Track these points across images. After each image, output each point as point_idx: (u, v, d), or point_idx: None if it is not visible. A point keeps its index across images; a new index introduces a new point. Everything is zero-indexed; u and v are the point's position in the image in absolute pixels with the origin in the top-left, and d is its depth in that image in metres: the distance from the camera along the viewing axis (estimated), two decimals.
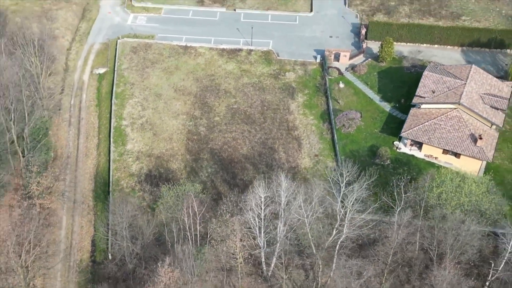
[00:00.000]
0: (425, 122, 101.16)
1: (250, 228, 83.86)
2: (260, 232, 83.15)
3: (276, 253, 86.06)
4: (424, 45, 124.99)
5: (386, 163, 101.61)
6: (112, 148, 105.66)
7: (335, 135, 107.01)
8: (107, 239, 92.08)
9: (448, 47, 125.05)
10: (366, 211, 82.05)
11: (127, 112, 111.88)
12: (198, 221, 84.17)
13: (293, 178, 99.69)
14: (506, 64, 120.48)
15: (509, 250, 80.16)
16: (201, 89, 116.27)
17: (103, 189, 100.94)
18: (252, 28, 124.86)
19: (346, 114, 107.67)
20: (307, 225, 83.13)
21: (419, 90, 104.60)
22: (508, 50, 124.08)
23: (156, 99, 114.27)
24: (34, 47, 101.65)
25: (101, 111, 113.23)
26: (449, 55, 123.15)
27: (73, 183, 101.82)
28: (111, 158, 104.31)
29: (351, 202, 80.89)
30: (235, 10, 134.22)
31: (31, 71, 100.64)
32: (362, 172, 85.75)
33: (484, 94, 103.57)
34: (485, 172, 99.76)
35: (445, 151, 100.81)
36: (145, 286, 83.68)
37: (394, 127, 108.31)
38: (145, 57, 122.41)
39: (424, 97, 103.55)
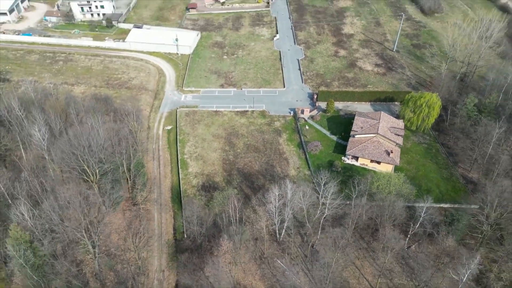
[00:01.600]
0: (359, 145, 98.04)
1: (269, 214, 79.59)
2: (275, 215, 78.62)
3: (284, 227, 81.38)
4: (349, 102, 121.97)
5: (339, 170, 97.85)
6: (180, 171, 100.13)
7: (307, 156, 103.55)
8: (183, 225, 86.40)
9: (363, 102, 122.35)
10: (337, 199, 78.32)
11: (186, 150, 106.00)
12: (237, 211, 79.44)
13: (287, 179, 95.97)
14: (396, 110, 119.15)
15: (421, 215, 77.42)
16: (227, 134, 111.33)
17: (177, 196, 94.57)
18: (253, 98, 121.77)
19: (313, 143, 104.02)
20: (304, 209, 78.90)
21: (354, 127, 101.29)
22: (396, 102, 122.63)
23: (203, 142, 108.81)
24: (132, 116, 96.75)
25: (171, 151, 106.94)
26: (364, 107, 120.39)
27: (159, 194, 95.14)
28: (180, 177, 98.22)
29: (330, 193, 77.09)
30: (242, 89, 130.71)
31: (132, 130, 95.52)
32: (331, 176, 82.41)
33: (390, 127, 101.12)
34: (394, 171, 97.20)
35: (372, 161, 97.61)
36: (212, 252, 78.88)
37: (340, 149, 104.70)
38: (193, 118, 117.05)
39: (357, 131, 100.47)
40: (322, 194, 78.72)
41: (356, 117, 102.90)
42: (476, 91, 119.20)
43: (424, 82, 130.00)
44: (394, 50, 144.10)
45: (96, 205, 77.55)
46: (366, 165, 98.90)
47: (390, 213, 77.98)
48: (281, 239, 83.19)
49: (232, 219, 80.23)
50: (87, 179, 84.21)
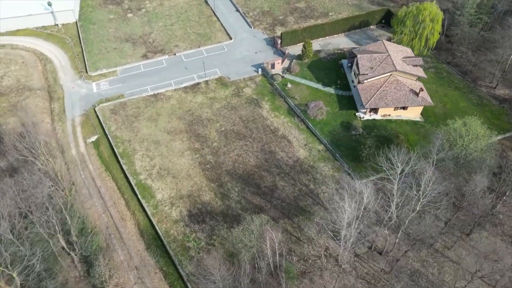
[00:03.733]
0: (376, 92, 73.21)
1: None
2: (344, 235, 51.66)
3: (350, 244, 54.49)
4: (320, 38, 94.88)
5: (360, 132, 73.09)
6: (144, 204, 64.97)
7: (309, 124, 75.97)
8: None
9: (335, 36, 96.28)
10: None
11: (138, 166, 69.72)
12: (277, 247, 50.34)
13: (301, 167, 68.07)
14: (376, 35, 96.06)
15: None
16: (187, 124, 76.76)
17: (156, 243, 60.43)
18: (203, 63, 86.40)
19: (314, 106, 75.87)
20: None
21: (361, 70, 75.04)
22: (372, 26, 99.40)
23: (157, 146, 72.95)
24: (33, 140, 56.81)
25: (113, 174, 69.33)
26: (338, 40, 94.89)
27: (126, 255, 59.32)
28: (149, 213, 63.39)
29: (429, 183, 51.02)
30: (175, 54, 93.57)
31: (48, 172, 56.09)
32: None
33: (403, 58, 77.71)
34: (421, 114, 75.93)
35: (396, 108, 74.64)
36: None
37: (346, 102, 78.62)
38: (126, 115, 78.51)
39: (367, 74, 75.10)
40: (397, 184, 52.58)
41: (359, 57, 76.09)
42: None
43: None
44: None
45: None
46: (389, 115, 75.47)
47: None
48: (349, 265, 57.17)
49: (272, 262, 51.23)
50: None
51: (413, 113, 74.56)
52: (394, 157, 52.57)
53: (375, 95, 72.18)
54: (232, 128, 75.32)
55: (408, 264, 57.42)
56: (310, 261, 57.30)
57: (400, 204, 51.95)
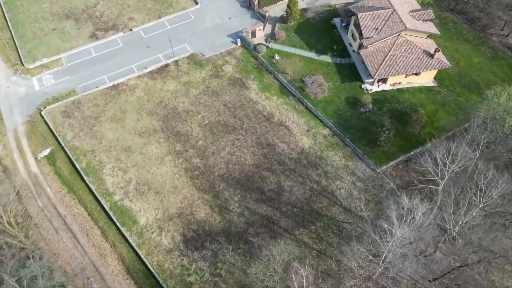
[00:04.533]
0: (384, 58, 61.67)
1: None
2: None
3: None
4: None
5: (370, 108, 62.29)
6: (125, 233, 52.60)
7: (309, 104, 64.25)
8: None
9: None
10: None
11: (110, 184, 56.52)
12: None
13: (308, 160, 57.51)
14: None
15: None
16: (162, 120, 63.16)
17: (149, 283, 49.03)
18: (169, 40, 70.85)
19: (312, 82, 63.64)
20: None
21: (365, 32, 62.60)
22: None
23: (129, 154, 59.30)
24: None
25: (79, 196, 55.85)
26: None
27: None
28: (133, 243, 51.26)
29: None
30: (131, 30, 76.63)
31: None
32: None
33: (410, 12, 65.80)
34: (434, 78, 65.81)
35: (407, 74, 63.96)
36: None
37: (348, 72, 66.62)
38: (83, 116, 63.28)
39: (372, 36, 63.04)
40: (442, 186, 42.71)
41: (361, 16, 62.71)
42: None
43: None
44: None
45: None
46: (399, 83, 64.74)
47: None
48: None
49: None
50: None
51: (426, 78, 64.35)
52: (438, 152, 42.58)
53: (383, 63, 60.80)
54: (217, 119, 62.51)
55: None
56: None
57: (452, 212, 42.48)
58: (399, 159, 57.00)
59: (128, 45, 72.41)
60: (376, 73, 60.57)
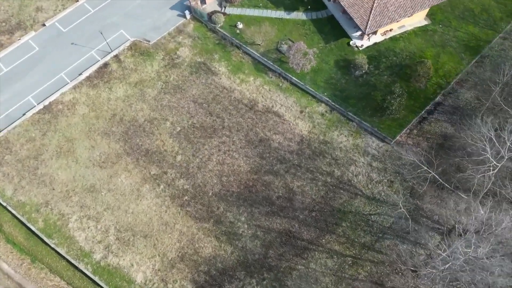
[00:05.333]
0: (372, 6, 51.15)
1: None
2: None
3: None
4: None
5: (366, 69, 52.72)
6: None
7: (293, 78, 53.62)
8: None
9: None
10: None
11: (83, 241, 44.44)
12: None
13: (311, 149, 48.83)
14: None
15: None
16: (123, 140, 50.11)
17: None
18: (101, 33, 54.16)
19: (294, 52, 51.98)
20: None
21: None
22: None
23: (95, 196, 46.96)
24: None
25: (47, 263, 43.78)
26: None
27: None
28: None
29: None
30: (44, 25, 58.51)
31: None
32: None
33: None
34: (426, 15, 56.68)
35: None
36: None
37: (329, 29, 55.38)
38: (18, 159, 48.52)
39: None
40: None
41: None
42: None
43: None
44: None
45: None
46: (391, 30, 55.13)
47: None
48: None
49: None
50: None
51: (418, 17, 55.02)
52: (484, 124, 34.99)
53: (372, 11, 50.30)
54: (190, 122, 50.77)
55: None
56: None
57: None
58: (412, 123, 49.92)
59: (46, 46, 55.58)
60: (366, 26, 50.39)
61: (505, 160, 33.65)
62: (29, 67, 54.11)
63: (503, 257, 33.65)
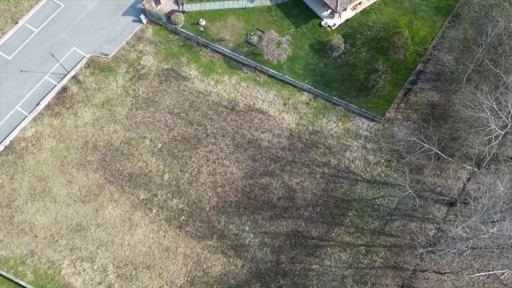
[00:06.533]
0: None
1: None
2: None
3: None
4: None
5: (343, 48, 50.70)
6: None
7: (270, 70, 50.70)
8: None
9: None
10: None
11: (80, 286, 40.70)
12: None
13: (303, 141, 47.07)
14: None
15: None
16: (102, 169, 45.94)
17: None
18: (52, 55, 48.62)
19: (267, 43, 49.09)
20: None
21: None
22: None
23: (84, 235, 42.90)
24: None
25: None
26: None
27: None
28: None
29: None
30: None
31: None
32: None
33: None
34: None
35: None
36: None
37: (297, 11, 52.34)
38: None
39: None
40: None
41: None
42: None
43: None
44: None
45: None
46: (360, 3, 53.10)
47: None
48: None
49: None
50: None
51: None
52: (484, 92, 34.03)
53: None
54: (171, 136, 47.47)
55: None
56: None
57: None
58: (398, 97, 48.91)
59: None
60: (337, 5, 48.22)
61: (509, 127, 33.20)
62: None
63: None
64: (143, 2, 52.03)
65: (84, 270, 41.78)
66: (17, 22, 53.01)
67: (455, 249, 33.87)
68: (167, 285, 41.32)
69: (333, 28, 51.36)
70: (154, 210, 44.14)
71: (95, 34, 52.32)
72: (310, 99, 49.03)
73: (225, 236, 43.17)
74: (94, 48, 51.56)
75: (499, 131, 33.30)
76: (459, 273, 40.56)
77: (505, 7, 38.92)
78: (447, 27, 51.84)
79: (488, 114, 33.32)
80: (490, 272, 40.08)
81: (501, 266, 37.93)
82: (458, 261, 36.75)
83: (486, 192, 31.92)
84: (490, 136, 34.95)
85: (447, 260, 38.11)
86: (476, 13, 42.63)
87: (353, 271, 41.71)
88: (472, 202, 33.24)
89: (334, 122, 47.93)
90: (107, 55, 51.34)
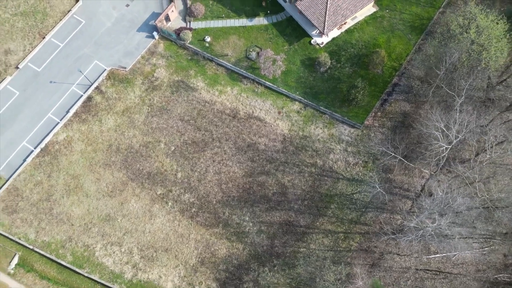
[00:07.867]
0: (326, 7, 56.58)
1: None
2: None
3: None
4: None
5: (329, 64, 58.87)
6: None
7: (267, 82, 58.83)
8: None
9: None
10: None
11: (112, 265, 50.26)
12: None
13: (294, 145, 55.93)
14: None
15: None
16: (124, 168, 54.65)
17: None
18: (80, 71, 57.12)
19: (264, 60, 57.11)
20: None
21: None
22: None
23: (113, 223, 52.03)
24: None
25: None
26: None
27: None
28: None
29: None
30: (18, 67, 59.34)
31: None
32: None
33: None
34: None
35: None
36: None
37: (290, 31, 60.47)
38: (32, 204, 52.22)
39: None
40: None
41: None
42: None
43: None
44: None
45: None
46: (345, 23, 60.96)
47: None
48: None
49: None
50: None
51: (367, 6, 61.20)
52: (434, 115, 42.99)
53: (327, 12, 55.91)
54: (182, 140, 56.15)
55: None
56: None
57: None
58: (375, 107, 57.55)
59: (26, 89, 58.04)
60: (324, 27, 56.17)
61: (453, 143, 42.18)
62: (14, 113, 56.91)
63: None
64: (157, 23, 59.67)
65: (114, 253, 51.26)
66: (44, 37, 60.70)
67: (409, 237, 43.56)
68: (182, 264, 50.97)
69: (321, 46, 59.46)
70: (170, 203, 53.30)
71: (114, 48, 60.16)
72: (300, 108, 57.66)
73: (229, 225, 52.61)
74: (114, 61, 59.52)
75: (446, 146, 42.28)
76: (417, 255, 50.58)
77: (460, 40, 46.92)
78: (421, 43, 60.16)
79: (437, 133, 42.26)
80: (443, 254, 50.06)
81: (452, 249, 47.88)
82: (413, 246, 46.49)
83: (433, 195, 41.18)
84: (443, 147, 43.99)
85: (405, 245, 47.96)
86: (438, 42, 50.74)
87: (333, 253, 51.48)
88: (425, 201, 42.66)
89: (321, 128, 56.77)
90: (125, 68, 59.34)
